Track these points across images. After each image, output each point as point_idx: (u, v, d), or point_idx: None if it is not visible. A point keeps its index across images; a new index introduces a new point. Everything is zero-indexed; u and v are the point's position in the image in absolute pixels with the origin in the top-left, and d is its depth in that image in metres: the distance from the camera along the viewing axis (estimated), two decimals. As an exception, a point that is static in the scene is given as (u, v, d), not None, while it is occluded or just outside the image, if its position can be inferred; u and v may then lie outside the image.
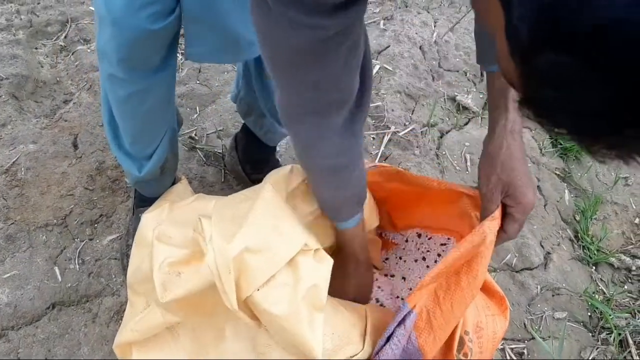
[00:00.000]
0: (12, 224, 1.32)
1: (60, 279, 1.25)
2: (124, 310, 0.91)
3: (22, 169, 1.41)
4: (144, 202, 1.23)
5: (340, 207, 0.95)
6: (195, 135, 1.57)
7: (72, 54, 1.68)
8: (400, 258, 1.22)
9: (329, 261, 0.85)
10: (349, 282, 1.04)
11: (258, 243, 0.77)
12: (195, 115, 1.62)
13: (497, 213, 0.86)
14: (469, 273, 0.88)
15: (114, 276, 1.28)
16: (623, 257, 1.60)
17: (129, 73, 0.91)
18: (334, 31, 0.64)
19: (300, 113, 0.77)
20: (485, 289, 1.23)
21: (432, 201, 1.07)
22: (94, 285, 1.26)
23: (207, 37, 0.92)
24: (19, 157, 1.43)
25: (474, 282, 0.88)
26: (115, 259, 1.30)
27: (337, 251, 1.03)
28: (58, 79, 1.64)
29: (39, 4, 1.80)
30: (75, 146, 1.48)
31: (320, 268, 0.83)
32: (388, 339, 0.90)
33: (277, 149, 1.47)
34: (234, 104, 1.38)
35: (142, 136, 1.07)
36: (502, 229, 0.88)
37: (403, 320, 0.90)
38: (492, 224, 0.85)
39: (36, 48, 1.70)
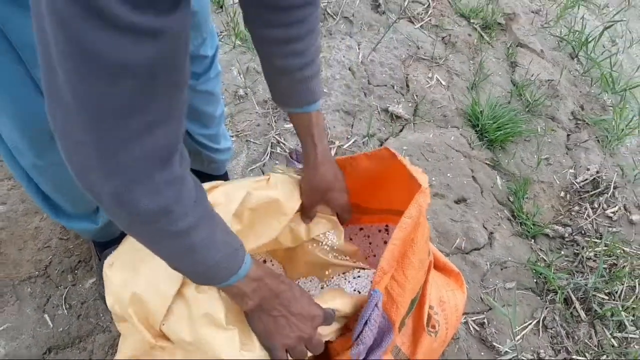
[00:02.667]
0: (-5, 281, 1.37)
1: (51, 325, 1.32)
2: (117, 343, 0.98)
3: (-4, 229, 1.47)
4: (107, 245, 1.30)
5: (224, 256, 0.76)
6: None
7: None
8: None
9: (210, 288, 0.86)
10: (287, 332, 0.85)
11: (147, 284, 0.84)
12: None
13: (425, 183, 1.02)
14: (412, 244, 1.03)
15: (101, 315, 1.35)
16: (556, 227, 1.80)
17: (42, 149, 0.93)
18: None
19: (140, 170, 0.59)
20: (442, 269, 1.39)
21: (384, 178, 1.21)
22: (84, 326, 1.33)
23: None
24: (-9, 219, 1.49)
25: (417, 247, 1.02)
26: (99, 299, 1.38)
27: (250, 315, 0.86)
28: (14, 142, 1.71)
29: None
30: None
31: (201, 298, 0.84)
32: (365, 323, 1.02)
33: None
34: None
35: (83, 196, 0.99)
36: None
37: (376, 304, 1.03)
38: (421, 196, 1.00)
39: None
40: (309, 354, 0.91)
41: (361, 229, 1.36)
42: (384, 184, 1.22)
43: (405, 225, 0.99)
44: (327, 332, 0.95)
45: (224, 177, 1.53)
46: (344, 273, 1.19)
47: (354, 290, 1.12)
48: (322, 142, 1.00)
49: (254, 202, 0.98)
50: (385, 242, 1.34)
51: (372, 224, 1.36)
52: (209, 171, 1.46)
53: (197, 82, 1.20)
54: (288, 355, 0.86)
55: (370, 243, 1.35)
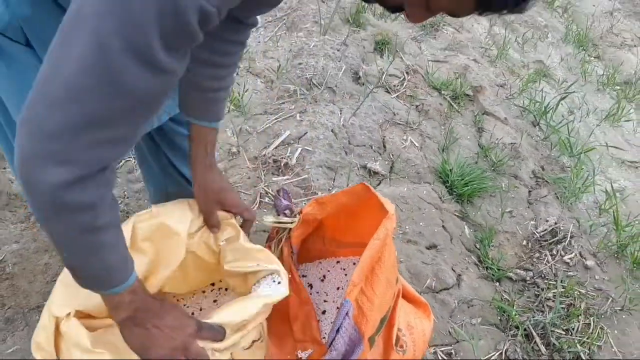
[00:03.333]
0: (8, 308, 1.52)
1: (57, 347, 1.45)
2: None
3: (10, 264, 1.63)
4: None
5: (121, 262, 0.85)
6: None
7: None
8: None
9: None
10: (161, 343, 0.91)
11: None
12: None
13: (392, 210, 1.21)
14: (380, 262, 1.20)
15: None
16: (518, 271, 1.98)
17: None
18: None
19: (89, 169, 0.69)
20: (411, 300, 1.55)
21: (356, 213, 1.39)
22: (87, 349, 1.47)
23: None
24: (5, 255, 1.65)
25: (384, 266, 1.19)
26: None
27: (124, 327, 0.91)
28: (28, 190, 1.90)
29: (2, 131, 2.08)
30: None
31: (69, 332, 0.97)
32: (337, 331, 1.16)
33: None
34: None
35: None
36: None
37: (347, 313, 1.18)
38: (388, 221, 1.19)
39: (4, 168, 1.96)
40: None
41: (338, 262, 1.54)
42: (359, 219, 1.40)
43: (374, 245, 1.17)
44: (226, 344, 1.01)
45: None
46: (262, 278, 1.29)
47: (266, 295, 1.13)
48: (213, 153, 1.15)
49: (145, 232, 1.11)
50: None
51: (347, 256, 1.53)
52: None
53: None
54: None
55: (345, 274, 1.52)
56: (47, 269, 1.64)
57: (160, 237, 1.15)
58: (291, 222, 1.29)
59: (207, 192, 1.16)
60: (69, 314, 1.00)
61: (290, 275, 1.22)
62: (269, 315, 1.12)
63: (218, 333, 0.98)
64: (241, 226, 1.22)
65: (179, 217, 1.18)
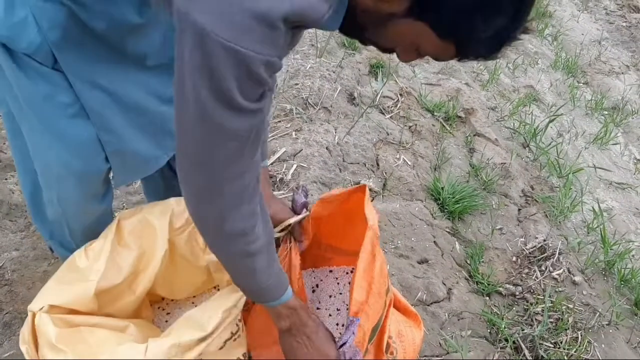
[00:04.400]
0: (6, 314, 1.54)
1: (54, 351, 1.48)
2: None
3: (9, 271, 1.66)
4: None
5: (274, 283, 1.03)
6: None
7: (40, 179, 2.00)
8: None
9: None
10: (303, 358, 1.10)
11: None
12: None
13: (373, 221, 1.25)
14: (372, 274, 1.23)
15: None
16: (508, 286, 2.02)
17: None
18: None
19: (235, 201, 0.88)
20: (402, 310, 1.58)
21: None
22: (83, 354, 1.49)
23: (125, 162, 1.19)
24: (5, 262, 1.68)
25: (376, 278, 1.23)
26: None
27: (281, 334, 1.11)
28: (28, 201, 1.94)
29: (4, 144, 2.12)
30: (51, 249, 1.75)
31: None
32: (341, 346, 1.17)
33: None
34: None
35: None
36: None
37: (353, 332, 1.19)
38: (370, 232, 1.22)
39: (6, 179, 2.00)
40: None
41: (331, 271, 1.58)
42: (356, 224, 1.44)
43: (364, 259, 1.21)
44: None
45: None
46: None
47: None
48: (267, 189, 1.27)
49: (129, 227, 1.19)
50: (349, 283, 1.54)
51: (339, 265, 1.57)
52: None
53: None
54: None
55: (337, 284, 1.56)
56: (45, 276, 1.67)
57: (143, 231, 1.20)
58: (303, 217, 1.32)
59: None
60: (42, 308, 1.04)
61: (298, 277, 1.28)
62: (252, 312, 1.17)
63: None
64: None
65: (160, 211, 1.22)
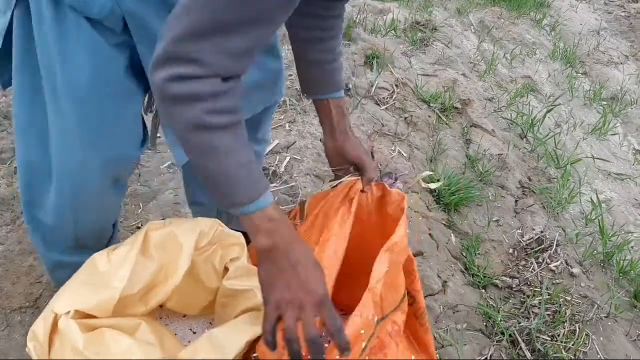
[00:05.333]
0: (-10, 309, 1.51)
1: (39, 348, 1.44)
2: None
3: (-6, 266, 1.62)
4: None
5: (245, 177, 0.83)
6: (141, 225, 1.85)
7: (27, 173, 1.96)
8: None
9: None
10: (284, 288, 0.85)
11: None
12: (140, 210, 1.91)
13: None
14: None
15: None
16: (504, 278, 1.99)
17: None
18: None
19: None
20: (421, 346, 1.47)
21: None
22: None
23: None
24: (-11, 257, 1.65)
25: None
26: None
27: (260, 258, 0.89)
28: (14, 195, 1.90)
29: (-12, 137, 2.09)
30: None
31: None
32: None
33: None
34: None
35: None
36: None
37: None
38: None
39: (-8, 173, 1.96)
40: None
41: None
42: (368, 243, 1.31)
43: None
44: None
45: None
46: None
47: None
48: (345, 122, 1.20)
49: (156, 239, 1.16)
50: None
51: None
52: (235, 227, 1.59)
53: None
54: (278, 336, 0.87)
55: None
56: (30, 270, 1.64)
57: (168, 245, 1.17)
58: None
59: (339, 155, 1.21)
60: (68, 312, 1.01)
61: None
62: None
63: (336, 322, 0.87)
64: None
65: (188, 229, 1.20)
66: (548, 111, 2.79)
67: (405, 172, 1.34)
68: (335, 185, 1.25)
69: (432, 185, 1.30)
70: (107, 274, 1.10)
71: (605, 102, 3.33)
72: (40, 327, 1.01)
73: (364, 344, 1.07)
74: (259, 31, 0.78)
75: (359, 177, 1.22)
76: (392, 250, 1.13)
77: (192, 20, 0.74)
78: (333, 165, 1.26)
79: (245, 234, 1.32)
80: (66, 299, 1.03)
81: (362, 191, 1.19)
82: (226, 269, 1.25)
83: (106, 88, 1.00)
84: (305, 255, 0.87)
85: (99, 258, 1.16)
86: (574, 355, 1.75)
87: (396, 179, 1.32)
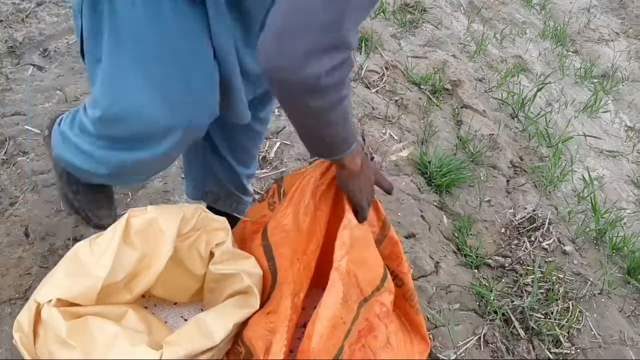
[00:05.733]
0: (-21, 301, 1.50)
1: (29, 339, 1.43)
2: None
3: (-18, 258, 1.61)
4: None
5: (347, 134, 0.98)
6: (132, 215, 1.84)
7: (13, 165, 1.94)
8: None
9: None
10: (366, 185, 1.13)
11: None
12: (129, 199, 1.90)
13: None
14: None
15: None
16: (497, 258, 1.98)
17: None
18: None
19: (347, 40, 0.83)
20: (413, 326, 1.46)
21: None
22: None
23: None
24: (-23, 249, 1.63)
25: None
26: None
27: (352, 175, 1.09)
28: (2, 187, 1.88)
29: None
30: (26, 235, 1.70)
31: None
32: None
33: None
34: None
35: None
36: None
37: None
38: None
39: (-20, 165, 1.94)
40: None
41: None
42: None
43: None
44: None
45: None
46: None
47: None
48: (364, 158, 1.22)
49: (137, 226, 1.14)
50: None
51: None
52: (236, 212, 1.57)
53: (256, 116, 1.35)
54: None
55: None
56: (20, 262, 1.62)
57: (150, 232, 1.17)
58: None
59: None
60: (50, 301, 1.00)
61: None
62: None
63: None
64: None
65: (170, 215, 1.19)
66: (539, 89, 2.78)
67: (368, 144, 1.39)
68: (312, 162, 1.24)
69: (404, 153, 1.38)
70: (90, 263, 1.09)
71: (596, 80, 3.31)
72: (25, 317, 1.01)
73: (347, 329, 1.07)
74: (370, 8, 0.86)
75: None
76: (349, 226, 1.13)
77: (342, 5, 0.77)
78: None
79: (229, 217, 1.33)
80: (48, 288, 1.02)
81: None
82: (212, 254, 1.24)
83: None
84: (367, 168, 1.13)
85: (82, 248, 1.15)
86: (568, 332, 1.75)
87: (372, 158, 1.33)
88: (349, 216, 1.14)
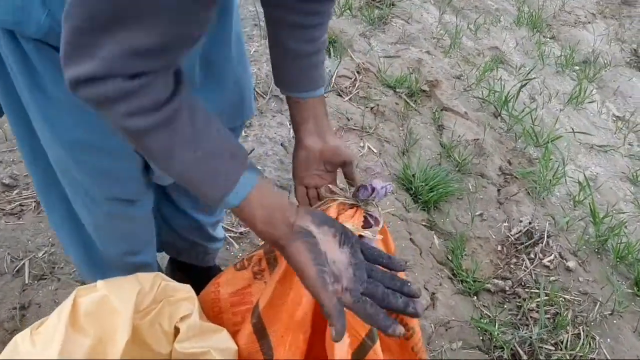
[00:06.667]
0: None
1: None
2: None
3: None
4: None
5: (214, 172, 0.72)
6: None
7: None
8: None
9: None
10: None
11: None
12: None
13: None
14: None
15: None
16: (496, 281, 1.81)
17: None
18: None
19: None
20: None
21: None
22: None
23: None
24: None
25: None
26: None
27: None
28: None
29: None
30: None
31: None
32: None
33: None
34: None
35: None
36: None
37: None
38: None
39: None
40: None
41: None
42: None
43: None
44: None
45: (215, 269, 1.47)
46: None
47: None
48: (324, 123, 0.99)
49: (87, 307, 0.96)
50: None
51: None
52: (203, 263, 1.42)
53: None
54: None
55: None
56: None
57: (103, 313, 0.98)
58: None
59: (335, 160, 1.02)
60: None
61: None
62: None
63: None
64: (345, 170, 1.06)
65: (124, 290, 0.99)
66: (522, 86, 2.61)
67: (385, 183, 1.10)
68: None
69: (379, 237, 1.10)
70: (32, 357, 0.89)
71: (578, 67, 3.16)
72: None
73: None
74: (170, 27, 0.63)
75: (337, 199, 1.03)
76: None
77: (92, 9, 0.60)
78: (309, 177, 1.05)
79: (193, 283, 1.14)
80: None
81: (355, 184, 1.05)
82: (177, 329, 1.06)
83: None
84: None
85: (21, 341, 0.95)
86: (581, 363, 1.60)
87: (373, 190, 1.10)
88: None
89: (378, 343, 1.10)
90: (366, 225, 1.09)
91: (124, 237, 1.13)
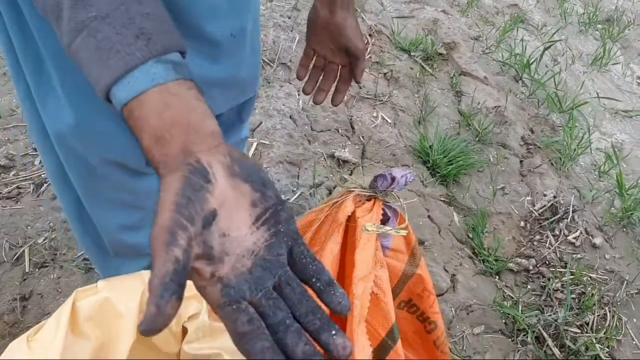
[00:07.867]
0: None
1: None
2: None
3: None
4: None
5: (110, 46, 0.48)
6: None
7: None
8: None
9: None
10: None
11: None
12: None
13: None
14: None
15: None
16: (519, 260, 1.73)
17: None
18: None
19: None
20: None
21: None
22: None
23: None
24: None
25: None
26: None
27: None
28: None
29: None
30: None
31: None
32: None
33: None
34: None
35: None
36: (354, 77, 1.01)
37: None
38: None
39: None
40: None
41: None
42: None
43: None
44: None
45: None
46: None
47: None
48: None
49: (88, 311, 0.89)
50: None
51: None
52: None
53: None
54: None
55: None
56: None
57: (105, 316, 0.90)
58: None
59: (337, 40, 0.98)
60: None
61: None
62: None
63: None
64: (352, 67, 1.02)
65: (127, 291, 0.92)
66: (546, 49, 2.46)
67: (405, 171, 1.00)
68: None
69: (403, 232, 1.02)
70: None
71: (601, 26, 2.99)
72: None
73: None
74: None
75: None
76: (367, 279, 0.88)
77: None
78: (317, 43, 1.00)
79: None
80: None
81: (357, 82, 1.03)
82: (185, 329, 0.99)
83: None
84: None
85: (17, 349, 0.88)
86: (608, 346, 1.53)
87: (393, 180, 1.00)
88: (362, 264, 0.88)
89: (399, 343, 1.03)
90: (384, 218, 1.01)
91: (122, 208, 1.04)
